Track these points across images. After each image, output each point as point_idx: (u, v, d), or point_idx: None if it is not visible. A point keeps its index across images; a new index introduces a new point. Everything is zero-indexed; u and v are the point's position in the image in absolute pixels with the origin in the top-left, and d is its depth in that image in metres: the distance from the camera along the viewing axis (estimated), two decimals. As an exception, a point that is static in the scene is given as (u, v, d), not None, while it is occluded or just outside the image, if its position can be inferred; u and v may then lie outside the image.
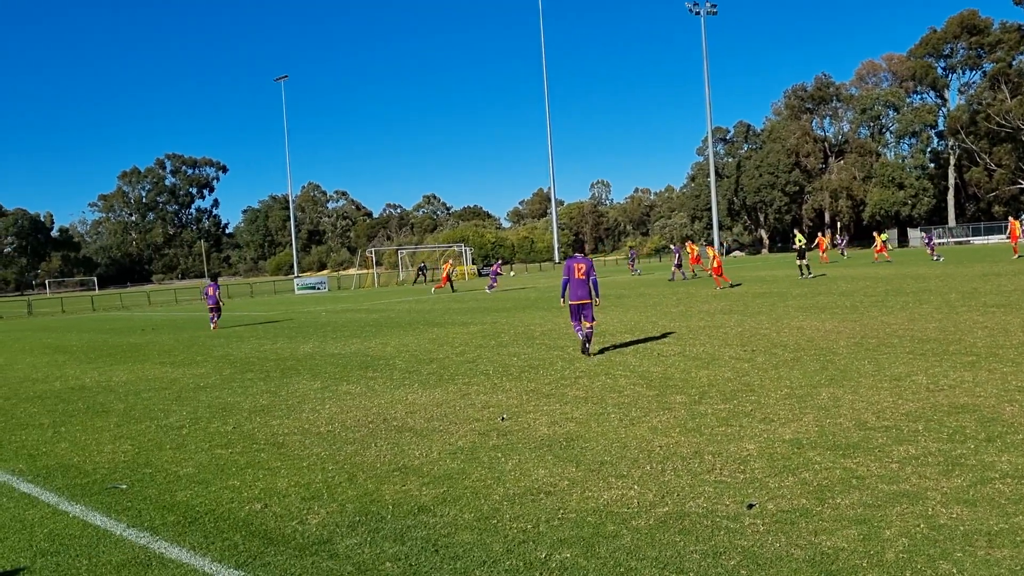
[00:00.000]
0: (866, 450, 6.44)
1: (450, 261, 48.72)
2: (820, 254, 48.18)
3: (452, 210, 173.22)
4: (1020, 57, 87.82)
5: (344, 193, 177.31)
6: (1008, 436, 6.55)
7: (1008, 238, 39.15)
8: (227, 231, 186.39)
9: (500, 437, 7.74)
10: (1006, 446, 6.29)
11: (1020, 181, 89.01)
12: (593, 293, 13.11)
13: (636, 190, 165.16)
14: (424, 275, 64.53)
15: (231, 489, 6.63)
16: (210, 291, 25.02)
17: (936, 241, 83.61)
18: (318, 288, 61.26)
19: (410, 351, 15.25)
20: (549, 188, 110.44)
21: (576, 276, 13.09)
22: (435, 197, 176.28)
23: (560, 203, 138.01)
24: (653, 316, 19.17)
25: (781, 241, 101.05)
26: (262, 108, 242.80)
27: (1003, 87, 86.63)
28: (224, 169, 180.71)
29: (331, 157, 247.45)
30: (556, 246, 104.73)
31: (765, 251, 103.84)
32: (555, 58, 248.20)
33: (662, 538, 4.91)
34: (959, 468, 5.84)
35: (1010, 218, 45.09)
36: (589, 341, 13.12)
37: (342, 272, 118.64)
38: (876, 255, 44.50)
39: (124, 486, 6.94)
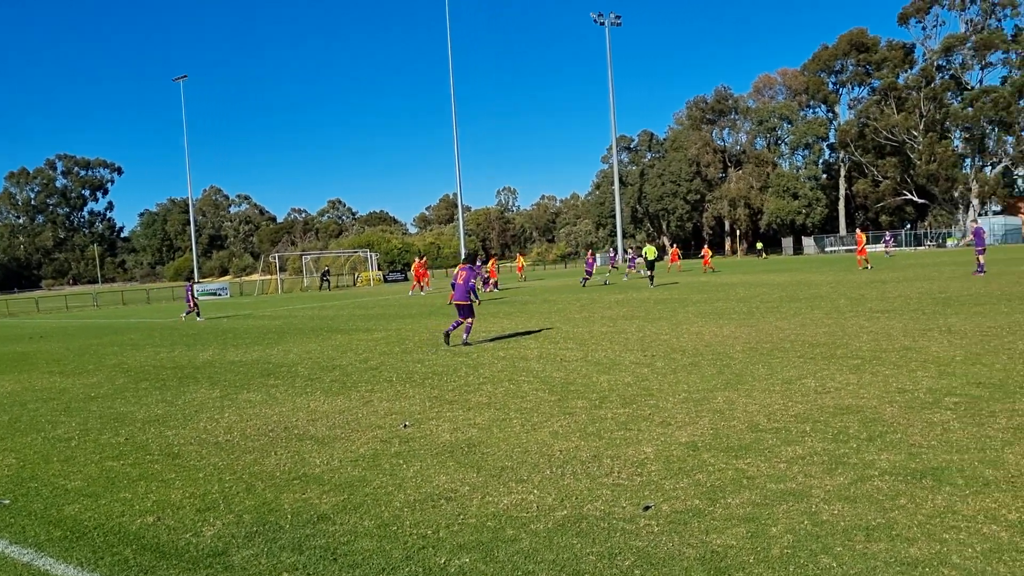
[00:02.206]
0: (757, 451, 6.68)
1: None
2: (676, 263, 49.44)
3: (358, 215, 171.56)
4: (904, 74, 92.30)
5: (247, 197, 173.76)
6: (888, 435, 6.89)
7: (856, 250, 41.15)
8: (123, 235, 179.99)
9: (402, 444, 7.73)
10: (886, 445, 6.61)
11: (904, 192, 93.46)
12: (472, 296, 15.63)
13: (542, 197, 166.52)
14: (327, 281, 63.59)
15: (122, 502, 6.42)
16: (187, 290, 30.17)
17: (831, 248, 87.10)
18: (219, 294, 59.74)
19: (313, 358, 15.05)
20: (456, 194, 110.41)
21: (458, 281, 15.68)
22: (340, 202, 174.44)
23: (467, 209, 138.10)
24: (557, 322, 19.39)
25: (682, 249, 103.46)
26: (160, 108, 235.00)
27: (889, 102, 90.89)
28: (119, 171, 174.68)
29: (233, 160, 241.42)
30: (463, 252, 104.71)
31: (667, 259, 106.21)
32: (462, 64, 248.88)
33: (560, 541, 4.99)
34: (842, 467, 6.11)
35: (857, 230, 47.31)
36: (468, 332, 15.74)
37: (245, 278, 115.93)
38: (704, 266, 46.80)
39: (7, 501, 6.66)
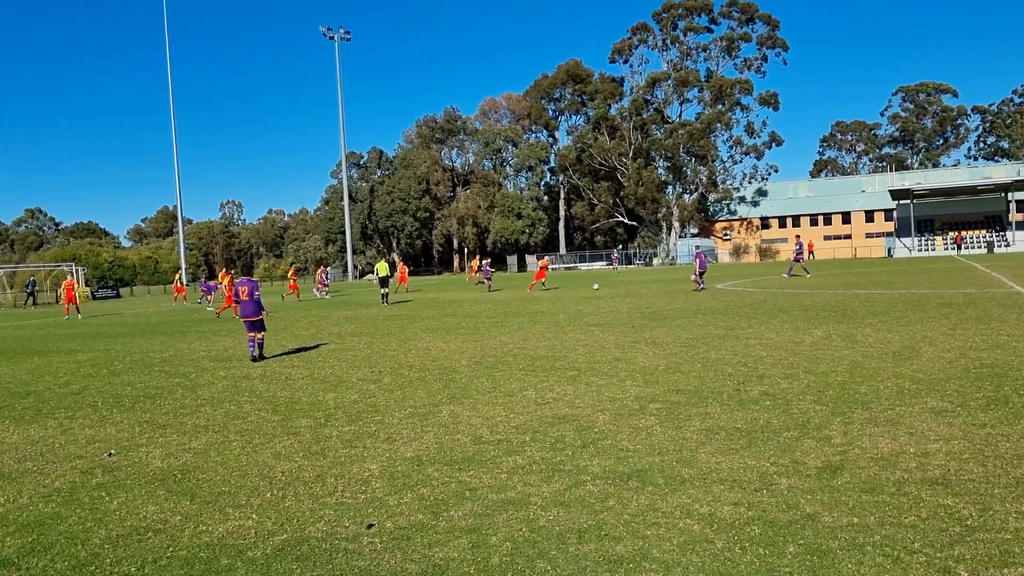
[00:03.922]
0: (480, 463, 6.83)
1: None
2: (402, 285, 48.04)
3: (62, 226, 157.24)
4: (616, 105, 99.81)
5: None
6: (600, 442, 7.31)
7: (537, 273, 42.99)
8: None
9: (106, 474, 7.09)
10: (598, 451, 7.01)
11: (616, 215, 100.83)
12: (261, 309, 15.04)
13: (270, 211, 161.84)
14: (34, 295, 57.38)
15: None
16: None
17: (552, 267, 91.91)
18: None
19: (2, 383, 13.47)
20: (175, 206, 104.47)
21: (243, 298, 14.95)
22: (41, 211, 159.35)
23: (188, 222, 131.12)
24: (283, 340, 18.81)
25: (413, 265, 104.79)
26: None
27: (603, 131, 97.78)
28: None
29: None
30: (184, 267, 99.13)
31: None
32: (184, 70, 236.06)
33: (278, 567, 4.78)
34: (558, 474, 6.39)
35: (537, 255, 49.93)
36: (261, 348, 14.91)
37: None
38: (400, 283, 46.99)
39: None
